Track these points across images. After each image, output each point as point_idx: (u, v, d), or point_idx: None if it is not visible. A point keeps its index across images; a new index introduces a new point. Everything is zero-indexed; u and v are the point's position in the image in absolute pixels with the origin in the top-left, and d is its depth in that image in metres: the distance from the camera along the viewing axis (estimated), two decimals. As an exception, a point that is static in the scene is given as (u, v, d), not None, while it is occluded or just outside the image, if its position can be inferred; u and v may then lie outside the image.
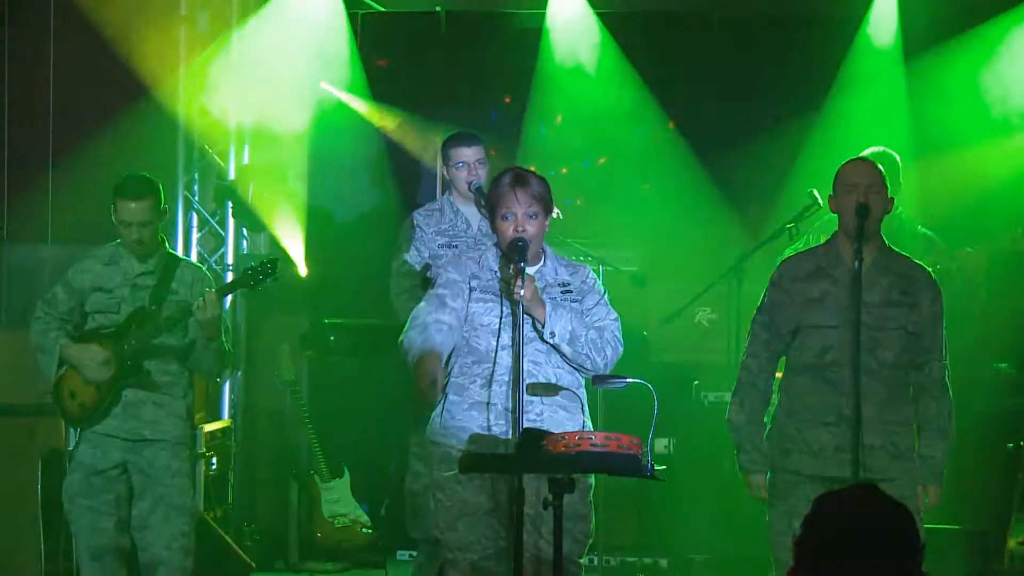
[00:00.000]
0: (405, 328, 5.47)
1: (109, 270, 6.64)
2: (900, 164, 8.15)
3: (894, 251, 5.78)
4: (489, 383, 5.40)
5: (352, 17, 9.93)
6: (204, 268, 6.89)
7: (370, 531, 8.96)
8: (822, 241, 8.18)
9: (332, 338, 9.48)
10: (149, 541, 6.56)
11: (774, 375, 5.83)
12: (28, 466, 7.22)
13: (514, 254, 5.30)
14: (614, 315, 5.57)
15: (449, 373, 5.48)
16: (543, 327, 5.33)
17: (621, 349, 5.53)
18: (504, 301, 5.43)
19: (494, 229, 5.47)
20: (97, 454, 6.54)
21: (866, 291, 5.60)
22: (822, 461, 5.62)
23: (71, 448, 6.79)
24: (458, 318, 5.43)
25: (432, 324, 5.37)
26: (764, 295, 5.86)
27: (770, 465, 5.77)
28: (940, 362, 5.71)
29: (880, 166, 5.76)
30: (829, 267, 5.70)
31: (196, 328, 6.52)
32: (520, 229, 5.35)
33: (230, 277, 9.56)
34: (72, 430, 6.67)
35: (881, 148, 8.22)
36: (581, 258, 7.91)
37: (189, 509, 6.68)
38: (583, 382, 5.56)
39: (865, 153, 8.11)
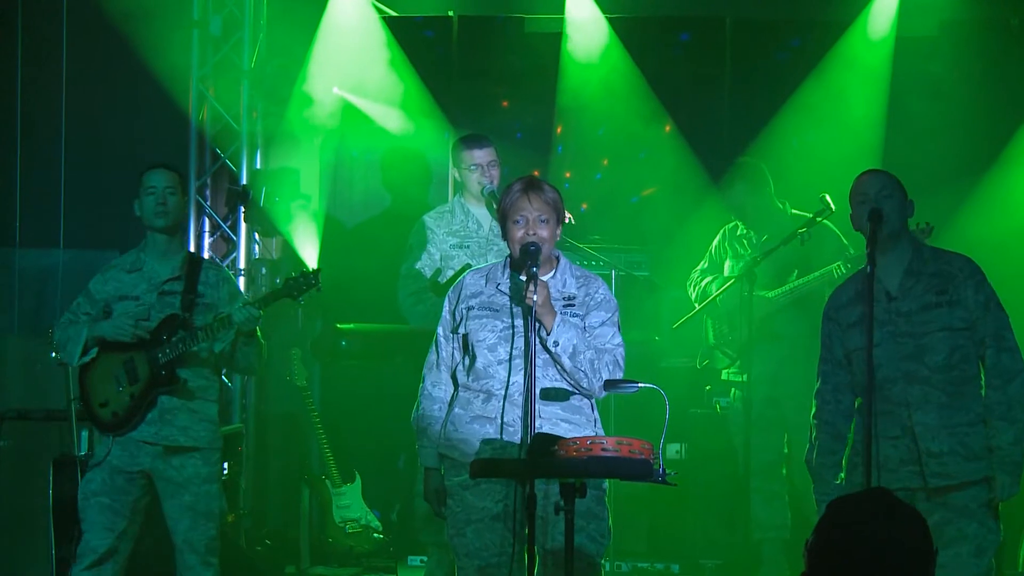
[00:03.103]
0: (419, 389, 5.63)
1: (133, 277, 6.63)
2: (765, 169, 8.35)
3: (928, 250, 5.74)
4: (489, 398, 5.41)
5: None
6: (225, 267, 6.91)
7: (381, 536, 8.96)
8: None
9: (344, 343, 9.48)
10: (179, 547, 6.57)
11: (845, 404, 5.76)
12: (39, 472, 7.22)
13: (526, 259, 5.29)
14: (619, 340, 5.48)
15: (458, 388, 5.53)
16: (548, 335, 5.31)
17: (620, 376, 5.44)
18: (501, 315, 5.43)
19: (505, 237, 5.46)
20: (125, 456, 6.52)
21: (901, 302, 5.61)
22: (888, 475, 5.60)
23: (82, 453, 6.76)
24: (449, 370, 5.56)
25: (433, 407, 5.56)
26: (822, 330, 5.86)
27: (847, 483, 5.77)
28: (996, 348, 5.62)
29: (890, 174, 5.74)
30: (865, 289, 5.68)
31: (235, 333, 6.55)
32: (532, 233, 5.34)
33: (242, 283, 9.57)
34: (103, 435, 6.63)
35: (745, 159, 8.38)
36: (593, 263, 7.91)
37: (217, 514, 6.67)
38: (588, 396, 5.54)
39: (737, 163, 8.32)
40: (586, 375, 5.36)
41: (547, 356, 5.35)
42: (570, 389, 5.41)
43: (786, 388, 8.05)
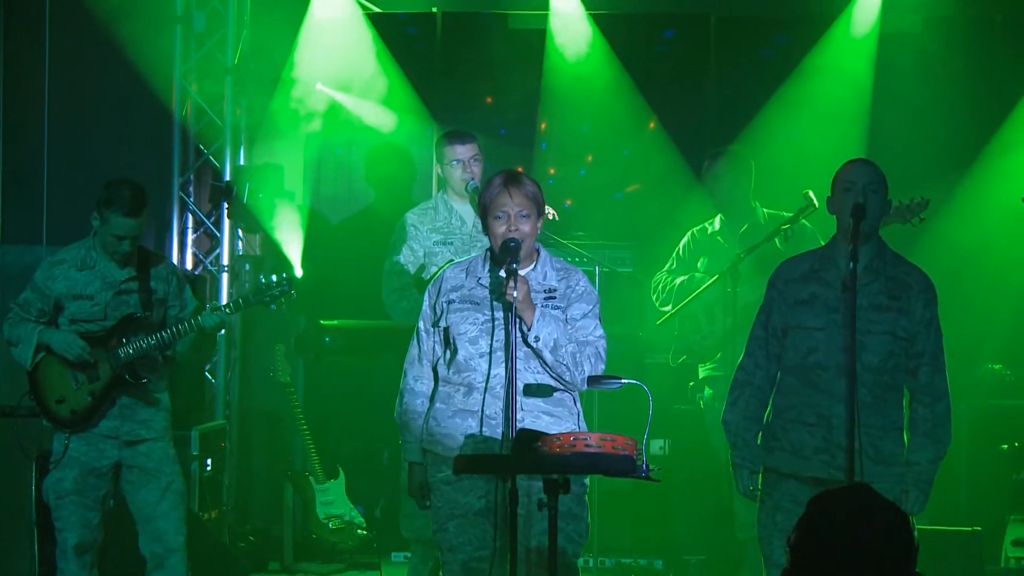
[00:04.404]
0: (401, 384, 5.62)
1: (85, 275, 6.64)
2: (752, 163, 8.28)
3: (891, 254, 5.74)
4: (471, 391, 5.40)
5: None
6: (168, 258, 6.96)
7: (365, 532, 8.95)
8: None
9: (327, 339, 9.46)
10: (162, 530, 6.66)
11: (772, 373, 5.79)
12: (22, 469, 7.21)
13: (506, 255, 5.29)
14: (600, 332, 5.50)
15: (438, 382, 5.52)
16: (528, 330, 5.31)
17: (602, 367, 5.45)
18: (482, 308, 5.43)
19: (486, 231, 5.46)
20: (92, 452, 6.60)
21: (855, 295, 5.59)
22: (801, 461, 5.64)
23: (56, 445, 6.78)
24: (431, 364, 5.55)
25: (415, 401, 5.55)
26: (764, 296, 5.86)
27: (761, 462, 5.77)
28: (932, 367, 5.65)
29: (878, 167, 5.74)
30: (822, 269, 5.69)
31: (199, 333, 6.66)
32: (513, 229, 5.35)
33: (225, 279, 9.57)
34: (59, 431, 6.68)
35: (733, 147, 8.32)
36: (577, 259, 7.91)
37: (185, 495, 6.84)
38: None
39: (715, 151, 8.27)
40: (568, 368, 5.36)
41: (529, 349, 5.36)
42: (553, 384, 5.41)
43: None
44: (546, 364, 5.36)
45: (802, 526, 3.23)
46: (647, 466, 4.76)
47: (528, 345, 5.33)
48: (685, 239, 8.40)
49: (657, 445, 8.61)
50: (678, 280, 8.26)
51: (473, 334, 5.41)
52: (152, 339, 6.57)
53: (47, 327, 6.64)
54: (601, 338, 5.48)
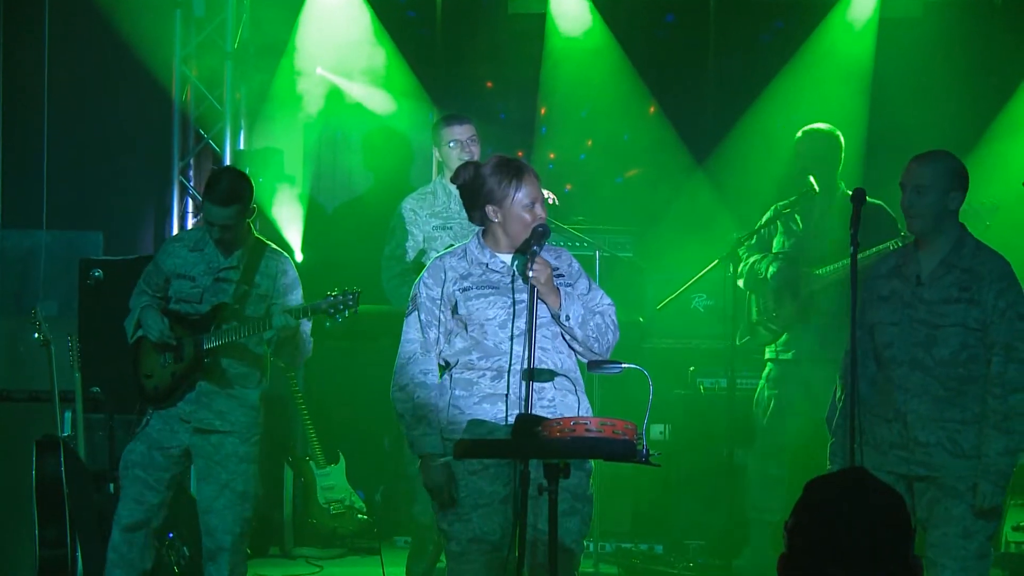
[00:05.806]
0: (395, 368, 5.47)
1: (194, 257, 6.66)
2: (842, 143, 8.08)
3: (972, 245, 5.70)
4: (501, 375, 5.35)
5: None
6: (286, 256, 6.89)
7: (365, 517, 8.96)
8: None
9: (328, 324, 9.46)
10: (213, 526, 6.65)
11: (870, 371, 5.77)
12: (22, 452, 7.23)
13: (533, 240, 5.26)
14: (609, 300, 5.52)
15: (452, 369, 5.44)
16: (559, 310, 5.29)
17: (618, 334, 5.49)
18: (503, 292, 5.37)
19: (496, 217, 5.38)
20: (165, 431, 6.62)
21: (927, 289, 5.63)
22: (880, 456, 5.68)
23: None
24: (437, 356, 5.43)
25: (430, 394, 5.38)
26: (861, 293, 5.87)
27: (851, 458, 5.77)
28: (1004, 358, 5.58)
29: (945, 162, 5.69)
30: (903, 266, 5.72)
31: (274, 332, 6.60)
32: (540, 215, 5.35)
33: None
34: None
35: (824, 126, 8.14)
36: (577, 244, 7.90)
37: (253, 496, 6.76)
38: (578, 366, 5.52)
39: (806, 129, 8.12)
40: (597, 340, 5.39)
41: (554, 329, 5.35)
42: (564, 369, 5.38)
43: (824, 370, 7.78)
44: (576, 340, 5.36)
45: (798, 510, 3.23)
46: (647, 451, 4.75)
47: (560, 324, 5.32)
48: (768, 214, 8.16)
49: (657, 430, 8.61)
50: (752, 259, 8.06)
51: (502, 318, 5.34)
52: (236, 331, 6.53)
53: (151, 305, 6.67)
54: (611, 306, 5.51)
